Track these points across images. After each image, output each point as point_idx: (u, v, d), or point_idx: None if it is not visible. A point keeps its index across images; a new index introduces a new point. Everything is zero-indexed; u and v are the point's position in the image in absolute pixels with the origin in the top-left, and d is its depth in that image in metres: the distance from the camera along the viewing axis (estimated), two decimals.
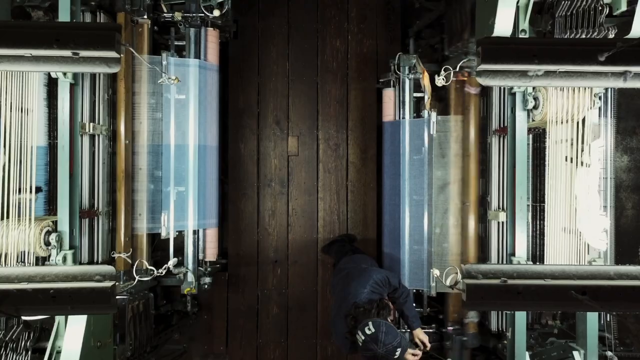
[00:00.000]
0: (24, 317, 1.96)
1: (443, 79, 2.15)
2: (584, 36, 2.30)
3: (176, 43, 3.33)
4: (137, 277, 1.94)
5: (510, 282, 1.75)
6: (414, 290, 3.31)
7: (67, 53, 1.60)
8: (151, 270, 1.99)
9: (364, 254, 3.44)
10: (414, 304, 3.31)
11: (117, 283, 1.65)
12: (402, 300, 2.83)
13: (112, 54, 1.63)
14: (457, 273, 1.87)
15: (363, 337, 2.32)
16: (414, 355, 2.58)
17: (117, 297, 1.67)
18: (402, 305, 2.85)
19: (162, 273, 2.04)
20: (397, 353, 2.32)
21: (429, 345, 2.89)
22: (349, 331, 2.47)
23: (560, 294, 1.74)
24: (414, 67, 3.26)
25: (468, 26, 2.92)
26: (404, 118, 3.31)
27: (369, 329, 2.33)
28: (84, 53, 1.61)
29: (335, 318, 2.69)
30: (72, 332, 2.23)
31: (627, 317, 2.93)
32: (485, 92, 3.09)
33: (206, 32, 3.27)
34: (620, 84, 1.74)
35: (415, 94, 3.32)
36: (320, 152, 4.16)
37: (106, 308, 1.64)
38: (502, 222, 2.85)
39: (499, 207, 2.95)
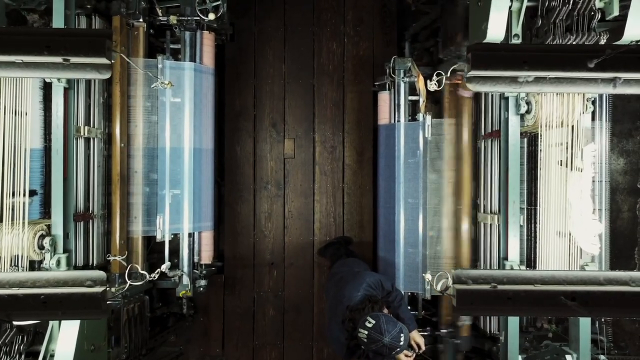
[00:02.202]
0: (15, 322, 1.97)
1: (435, 83, 2.16)
2: (576, 42, 2.31)
3: (172, 46, 3.33)
4: (128, 282, 1.94)
5: (500, 287, 1.76)
6: (409, 294, 3.32)
7: (58, 59, 1.61)
8: (144, 274, 2.00)
9: (357, 257, 3.44)
10: (409, 307, 3.33)
11: (108, 288, 1.66)
12: (396, 304, 2.84)
13: (103, 60, 1.63)
14: (448, 278, 1.88)
15: (366, 332, 2.33)
16: (407, 356, 2.61)
17: (110, 302, 1.68)
18: (397, 308, 2.86)
19: (154, 277, 2.04)
20: (402, 339, 2.34)
21: (423, 347, 2.89)
22: (349, 335, 2.47)
23: (549, 300, 1.75)
24: (409, 70, 3.26)
25: (461, 30, 2.91)
26: (399, 121, 3.31)
27: (369, 322, 2.35)
28: (74, 59, 1.62)
29: (330, 322, 2.70)
30: (66, 335, 2.23)
31: (621, 320, 2.93)
32: (476, 96, 3.09)
33: (202, 35, 3.28)
34: (610, 90, 1.75)
35: (411, 97, 3.33)
36: (317, 154, 4.16)
37: (97, 313, 1.65)
38: (495, 226, 2.85)
39: (491, 211, 2.95)
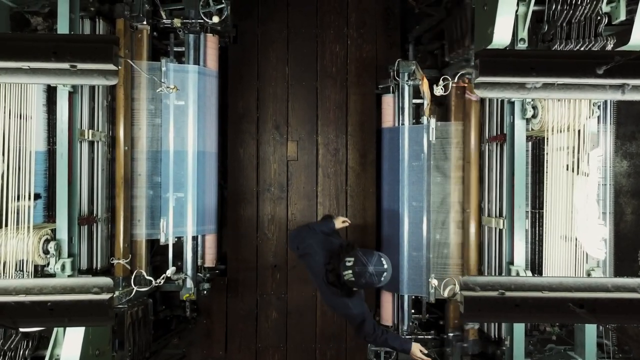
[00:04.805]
0: (21, 329, 1.97)
1: (442, 88, 2.15)
2: (583, 47, 2.30)
3: (175, 49, 3.33)
4: (135, 288, 1.94)
5: (507, 294, 1.76)
6: (413, 297, 3.32)
7: (65, 65, 1.61)
8: (149, 280, 1.99)
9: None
10: (412, 310, 3.33)
11: (114, 295, 1.65)
12: (380, 342, 2.88)
13: (110, 67, 1.63)
14: (455, 284, 1.88)
15: (350, 270, 2.46)
16: (422, 352, 2.82)
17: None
18: (384, 344, 2.93)
19: (160, 283, 2.04)
20: (384, 262, 2.45)
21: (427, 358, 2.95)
22: (337, 281, 2.56)
23: (557, 306, 1.74)
24: (413, 73, 3.25)
25: (469, 33, 2.90)
26: (403, 124, 3.30)
27: (349, 261, 2.47)
28: (81, 65, 1.61)
29: (321, 288, 2.80)
30: (71, 340, 2.23)
31: (624, 325, 2.93)
32: (482, 99, 3.08)
33: (205, 38, 3.27)
34: (618, 96, 1.74)
35: (415, 100, 3.31)
36: (320, 157, 4.15)
37: (103, 320, 1.65)
38: (501, 230, 2.85)
39: (496, 215, 2.95)
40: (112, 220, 3.08)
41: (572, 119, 2.32)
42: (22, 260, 2.34)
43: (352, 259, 2.47)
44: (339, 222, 3.10)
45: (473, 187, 3.10)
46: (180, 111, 3.18)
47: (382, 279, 2.44)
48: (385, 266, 2.45)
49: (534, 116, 2.46)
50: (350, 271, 2.46)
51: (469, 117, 3.10)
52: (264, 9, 4.13)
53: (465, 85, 2.99)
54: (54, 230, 2.51)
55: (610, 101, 2.91)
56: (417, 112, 3.34)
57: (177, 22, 3.15)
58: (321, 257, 2.71)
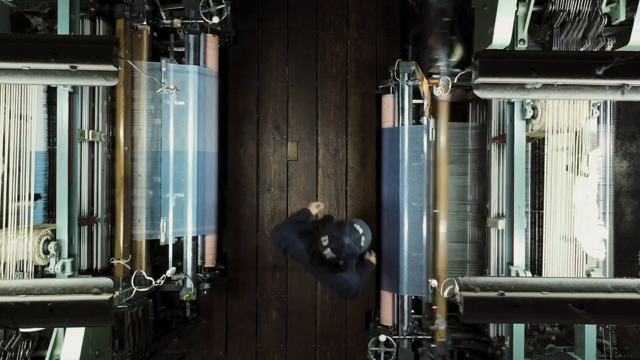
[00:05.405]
0: (21, 330, 1.97)
1: (441, 89, 2.16)
2: (582, 47, 2.30)
3: (175, 49, 3.33)
4: (135, 288, 1.94)
5: (507, 294, 1.76)
6: (413, 297, 3.32)
7: (65, 66, 1.61)
8: (149, 280, 1.99)
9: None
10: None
11: (115, 295, 1.65)
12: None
13: (110, 68, 1.63)
14: (454, 284, 1.88)
15: (328, 249, 2.48)
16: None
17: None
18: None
19: (160, 283, 2.04)
20: (357, 228, 2.48)
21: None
22: (322, 262, 2.58)
23: (557, 307, 1.74)
24: (413, 74, 3.24)
25: (431, 33, 2.99)
26: (403, 125, 3.30)
27: (324, 240, 2.49)
28: (82, 66, 1.61)
29: (312, 273, 2.81)
30: (71, 341, 2.24)
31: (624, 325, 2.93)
32: (485, 100, 3.08)
33: (205, 38, 3.27)
34: (618, 97, 1.74)
35: (415, 101, 3.31)
36: (320, 157, 4.15)
37: (103, 320, 1.65)
38: (501, 230, 2.85)
39: (498, 215, 2.95)
40: (112, 221, 3.08)
41: (572, 120, 2.32)
42: (22, 260, 2.34)
43: (326, 236, 2.49)
44: (313, 208, 3.09)
45: (442, 188, 3.04)
46: (180, 111, 3.18)
47: (362, 243, 2.48)
48: (361, 231, 2.48)
49: (534, 117, 2.46)
50: (328, 249, 2.48)
51: (439, 117, 3.07)
52: (264, 9, 4.13)
53: (435, 82, 2.97)
54: (54, 231, 2.51)
55: (610, 102, 2.91)
56: (417, 112, 3.33)
57: (177, 22, 3.16)
58: (301, 244, 2.71)
